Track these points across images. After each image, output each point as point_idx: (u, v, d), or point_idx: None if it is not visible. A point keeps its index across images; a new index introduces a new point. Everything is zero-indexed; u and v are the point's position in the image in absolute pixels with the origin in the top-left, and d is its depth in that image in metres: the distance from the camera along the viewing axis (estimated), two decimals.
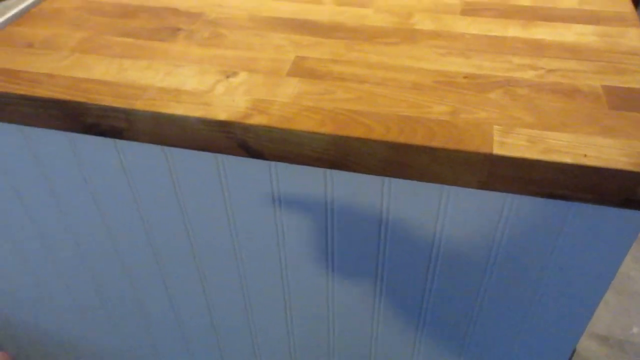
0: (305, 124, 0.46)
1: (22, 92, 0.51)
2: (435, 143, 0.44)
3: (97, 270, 0.71)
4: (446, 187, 0.47)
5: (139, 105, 0.49)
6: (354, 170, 0.47)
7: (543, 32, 0.58)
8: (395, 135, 0.44)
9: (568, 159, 0.42)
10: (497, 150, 0.43)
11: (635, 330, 1.18)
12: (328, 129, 0.45)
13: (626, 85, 0.49)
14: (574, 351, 1.11)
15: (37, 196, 0.63)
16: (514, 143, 0.43)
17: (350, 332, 0.66)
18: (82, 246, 0.68)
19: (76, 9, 0.65)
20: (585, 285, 0.51)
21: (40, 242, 0.70)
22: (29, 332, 0.91)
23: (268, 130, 0.46)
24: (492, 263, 0.52)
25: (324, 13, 0.63)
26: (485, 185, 0.45)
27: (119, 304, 0.76)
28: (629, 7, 0.62)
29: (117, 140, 0.54)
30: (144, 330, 0.79)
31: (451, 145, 0.43)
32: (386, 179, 0.48)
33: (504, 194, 0.46)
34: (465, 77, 0.51)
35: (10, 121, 0.54)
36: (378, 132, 0.45)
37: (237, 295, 0.66)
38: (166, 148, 0.53)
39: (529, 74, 0.51)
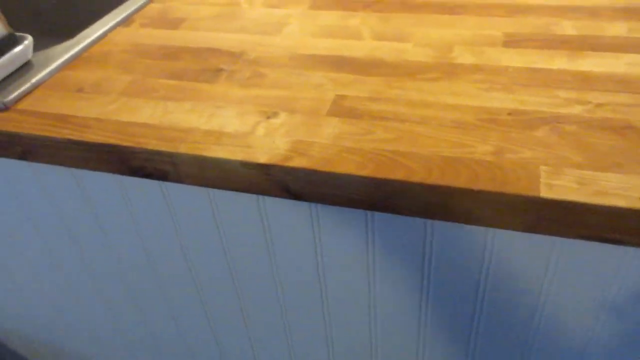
0: (346, 166, 0.46)
1: (73, 137, 0.53)
2: (479, 186, 0.43)
3: (142, 304, 0.73)
4: (491, 229, 0.46)
5: (183, 148, 0.50)
6: (396, 213, 0.46)
7: (590, 63, 0.56)
8: (437, 178, 0.44)
9: (621, 203, 0.40)
10: (545, 193, 0.41)
11: None
12: (368, 171, 0.45)
13: None
14: None
15: (87, 234, 0.65)
16: (563, 185, 0.42)
17: None
18: (129, 282, 0.69)
19: (124, 51, 0.67)
20: None
21: (88, 276, 0.72)
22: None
23: (308, 172, 0.46)
24: (540, 309, 0.50)
25: (363, 48, 0.63)
26: (532, 228, 0.43)
27: (164, 337, 0.77)
28: None
29: (162, 182, 0.55)
30: None
31: (495, 188, 0.42)
32: (429, 221, 0.48)
33: (553, 237, 0.45)
34: (509, 114, 0.50)
35: (62, 164, 0.56)
36: (419, 175, 0.44)
37: (279, 331, 0.66)
38: (210, 190, 0.54)
39: (577, 109, 0.50)
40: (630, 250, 0.43)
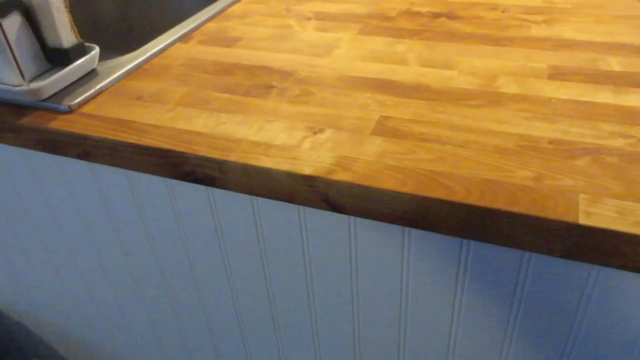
0: (387, 183, 0.48)
1: (131, 141, 0.56)
2: (517, 209, 0.44)
3: (178, 305, 0.75)
4: (527, 253, 0.47)
5: (232, 157, 0.53)
6: (433, 230, 0.48)
7: (635, 99, 0.57)
8: (476, 199, 0.45)
9: None
10: (583, 220, 0.42)
11: None
12: (409, 188, 0.47)
13: None
14: None
15: (133, 234, 0.69)
16: (602, 213, 0.42)
17: None
18: (169, 284, 0.72)
19: (182, 65, 0.72)
20: None
21: (129, 274, 0.75)
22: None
23: (350, 186, 0.48)
24: (574, 336, 0.50)
25: (409, 74, 0.66)
26: (569, 255, 0.44)
27: (197, 343, 0.79)
28: None
29: (209, 188, 0.58)
30: None
31: (534, 212, 0.43)
32: (465, 241, 0.48)
33: (590, 265, 0.45)
34: (550, 143, 0.51)
35: (118, 165, 0.59)
36: (459, 195, 0.45)
37: (309, 342, 0.67)
38: (254, 197, 0.56)
39: (620, 142, 0.50)
40: None
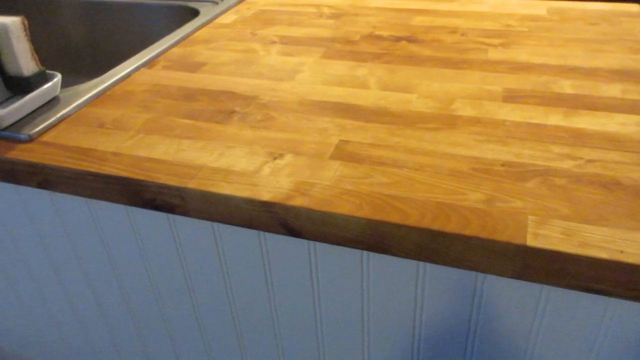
0: (343, 208, 0.48)
1: (91, 170, 0.56)
2: (469, 232, 0.45)
3: (144, 331, 0.74)
4: (481, 274, 0.48)
5: (192, 184, 0.53)
6: (390, 254, 0.48)
7: (584, 121, 0.59)
8: (429, 222, 0.46)
9: (604, 255, 0.42)
10: (531, 242, 0.43)
11: None
12: (365, 213, 0.48)
13: None
14: None
15: (96, 261, 0.68)
16: (549, 235, 0.44)
17: None
18: (133, 309, 0.72)
19: (145, 91, 0.72)
20: None
21: (94, 301, 0.74)
22: None
23: (308, 212, 0.49)
24: (529, 356, 0.51)
25: (369, 97, 0.67)
26: (520, 275, 0.45)
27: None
28: None
29: (170, 215, 0.58)
30: None
31: (484, 234, 0.44)
32: (421, 263, 0.49)
33: (540, 285, 0.46)
34: (502, 165, 0.53)
35: (78, 194, 0.59)
36: (413, 218, 0.46)
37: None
38: (214, 224, 0.56)
39: (568, 164, 0.52)
40: (612, 301, 0.44)
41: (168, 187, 0.54)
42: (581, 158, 0.53)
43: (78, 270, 0.71)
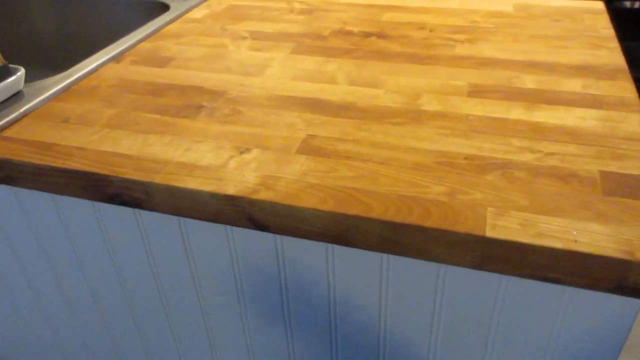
0: (308, 201, 0.49)
1: (55, 165, 0.56)
2: (430, 223, 0.46)
3: (112, 327, 0.74)
4: (443, 265, 0.49)
5: (158, 178, 0.53)
6: (354, 246, 0.49)
7: (545, 115, 0.60)
8: (392, 215, 0.47)
9: (559, 244, 0.43)
10: (489, 233, 0.44)
11: None
12: (329, 206, 0.48)
13: (622, 171, 0.51)
14: None
15: (62, 257, 0.67)
16: (506, 226, 0.45)
17: None
18: (101, 305, 0.71)
19: (111, 86, 0.71)
20: None
21: (61, 297, 0.74)
22: None
23: (273, 205, 0.49)
24: (491, 343, 0.52)
25: (337, 93, 0.67)
26: (479, 265, 0.46)
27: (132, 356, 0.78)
28: (631, 93, 0.63)
29: (137, 210, 0.58)
30: None
31: (445, 226, 0.45)
32: (385, 255, 0.50)
33: (500, 275, 0.47)
34: (465, 158, 0.54)
35: (43, 189, 0.58)
36: (376, 211, 0.47)
37: (244, 357, 0.68)
38: (181, 218, 0.56)
39: (528, 157, 0.53)
40: (568, 290, 0.46)
41: (134, 182, 0.53)
42: (540, 151, 0.54)
43: (45, 266, 0.70)
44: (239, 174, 0.53)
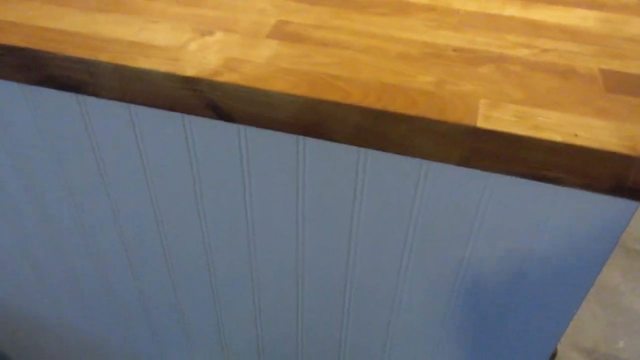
0: (278, 85, 0.43)
1: None
2: (415, 112, 0.40)
3: (55, 227, 0.68)
4: (425, 162, 0.44)
5: (104, 57, 0.46)
6: (328, 138, 0.44)
7: (542, 14, 0.55)
8: (373, 102, 0.41)
9: (558, 137, 0.38)
10: (482, 124, 0.39)
11: (621, 344, 1.15)
12: (301, 90, 0.42)
13: (624, 70, 0.46)
14: (554, 355, 1.08)
15: None
16: (501, 117, 0.40)
17: (320, 320, 0.63)
18: (44, 204, 0.64)
19: None
20: (572, 277, 0.47)
21: (3, 193, 0.67)
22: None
23: (237, 89, 0.43)
24: (472, 247, 0.48)
25: None
26: (467, 161, 0.41)
27: (79, 269, 0.72)
28: None
29: (80, 96, 0.50)
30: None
31: (432, 115, 0.40)
32: (362, 150, 0.45)
33: (487, 173, 0.43)
34: (455, 50, 0.48)
35: None
36: (355, 97, 0.42)
37: (201, 260, 0.63)
38: (132, 105, 0.49)
39: (523, 52, 0.48)
40: (563, 190, 0.42)
41: (75, 60, 0.46)
42: (537, 47, 0.49)
43: None
44: (200, 56, 0.46)
